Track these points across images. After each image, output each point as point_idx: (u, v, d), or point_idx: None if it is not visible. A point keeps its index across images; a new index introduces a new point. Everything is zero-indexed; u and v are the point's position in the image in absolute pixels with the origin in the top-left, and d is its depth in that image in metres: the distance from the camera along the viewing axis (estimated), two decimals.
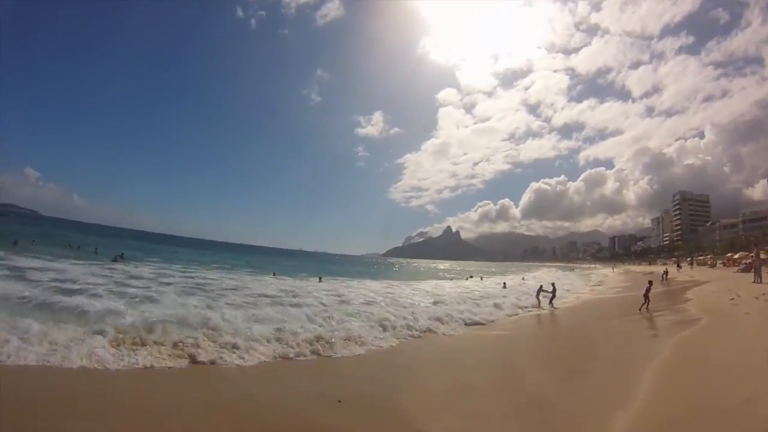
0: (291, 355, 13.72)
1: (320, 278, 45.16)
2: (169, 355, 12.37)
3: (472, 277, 58.01)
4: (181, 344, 13.27)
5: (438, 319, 21.50)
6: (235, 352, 13.19)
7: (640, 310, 22.86)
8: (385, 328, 18.57)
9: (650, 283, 24.57)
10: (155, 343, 13.12)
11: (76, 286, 22.17)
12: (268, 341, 14.69)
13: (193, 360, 12.28)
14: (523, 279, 54.80)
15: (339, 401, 8.84)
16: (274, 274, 47.66)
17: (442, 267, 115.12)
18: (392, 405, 9.06)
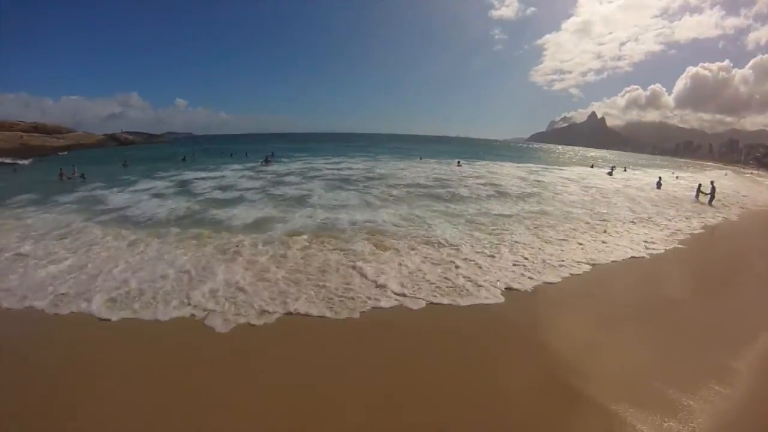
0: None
1: (459, 162, 45.25)
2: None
3: (614, 167, 50.69)
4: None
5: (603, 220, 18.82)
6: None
7: None
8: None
9: None
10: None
11: (235, 194, 23.55)
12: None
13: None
14: (676, 177, 45.63)
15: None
16: (420, 158, 49.60)
17: (590, 155, 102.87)
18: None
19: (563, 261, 12.30)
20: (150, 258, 11.71)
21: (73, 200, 21.65)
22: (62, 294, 9.21)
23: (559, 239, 14.79)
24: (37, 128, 73.05)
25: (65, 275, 10.31)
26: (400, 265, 11.35)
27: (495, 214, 18.55)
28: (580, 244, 14.27)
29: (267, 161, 44.91)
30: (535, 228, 16.28)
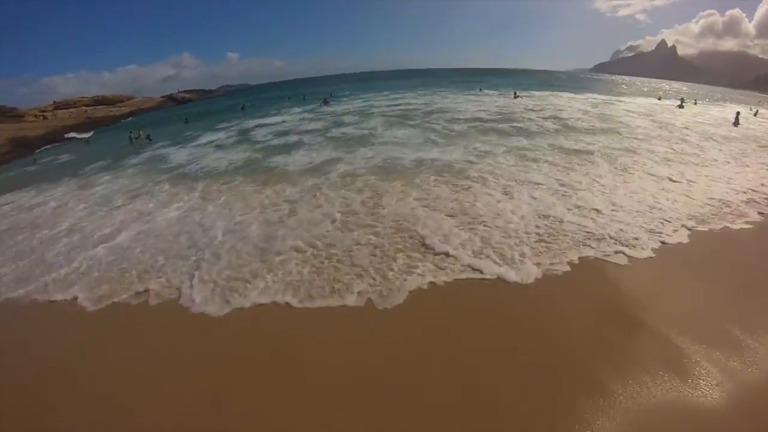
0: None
1: (515, 93, 42.54)
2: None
3: (685, 100, 43.96)
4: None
5: None
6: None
7: None
8: None
9: None
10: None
11: (294, 138, 23.51)
12: None
13: None
14: (755, 113, 38.20)
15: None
16: (480, 90, 47.67)
17: (661, 87, 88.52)
18: None
19: (691, 213, 10.28)
20: (196, 222, 11.54)
21: (140, 161, 22.52)
22: (98, 283, 8.76)
23: (671, 185, 12.44)
24: (99, 101, 77.94)
25: (106, 259, 9.90)
26: (490, 220, 9.89)
27: (573, 150, 16.70)
28: (721, 200, 11.30)
29: (326, 102, 44.67)
30: (623, 170, 14.06)
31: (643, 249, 8.43)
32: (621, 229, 9.23)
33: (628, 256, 8.15)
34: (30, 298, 8.64)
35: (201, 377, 5.71)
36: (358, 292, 7.32)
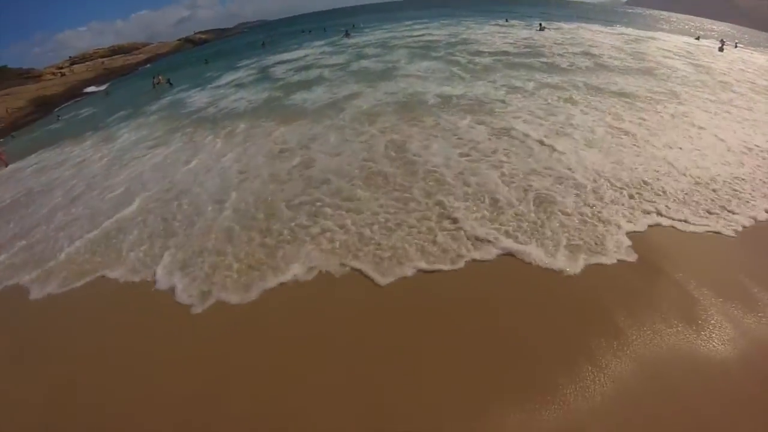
0: None
1: (541, 25, 39.31)
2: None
3: (725, 42, 38.69)
4: None
5: None
6: None
7: None
8: None
9: None
10: None
11: (315, 73, 22.99)
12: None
13: None
14: None
15: None
16: (506, 20, 45.25)
17: (703, 25, 72.21)
18: None
19: None
20: (204, 182, 10.59)
21: (160, 108, 22.64)
22: (91, 266, 7.87)
23: (745, 149, 10.30)
24: (115, 50, 78.41)
25: (103, 232, 9.06)
26: (547, 183, 8.29)
27: (613, 92, 14.85)
28: None
29: (347, 35, 43.08)
30: (680, 122, 12.01)
31: (733, 227, 7.07)
32: (698, 202, 7.73)
33: (718, 234, 6.94)
34: (17, 290, 7.86)
35: (176, 383, 5.13)
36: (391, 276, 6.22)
